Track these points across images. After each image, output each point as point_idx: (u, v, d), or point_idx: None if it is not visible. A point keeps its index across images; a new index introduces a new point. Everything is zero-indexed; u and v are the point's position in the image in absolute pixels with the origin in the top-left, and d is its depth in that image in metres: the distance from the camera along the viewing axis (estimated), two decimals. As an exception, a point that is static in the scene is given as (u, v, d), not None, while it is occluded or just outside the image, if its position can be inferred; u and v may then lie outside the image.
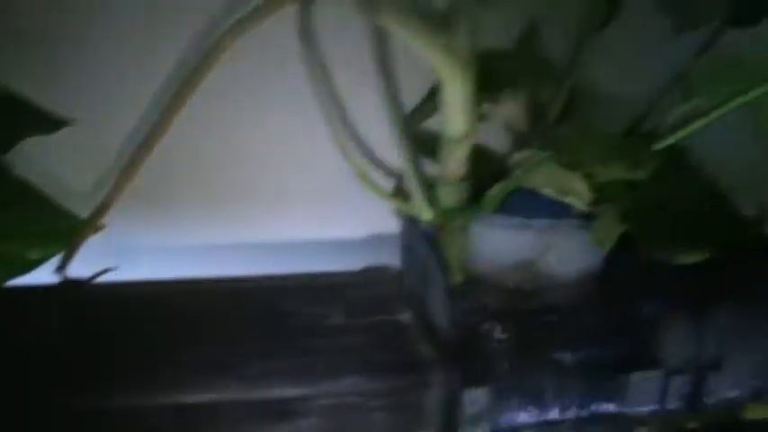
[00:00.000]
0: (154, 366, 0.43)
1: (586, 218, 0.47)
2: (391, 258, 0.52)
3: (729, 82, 0.46)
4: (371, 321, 0.47)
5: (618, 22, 0.49)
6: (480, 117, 0.46)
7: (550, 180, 0.44)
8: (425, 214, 0.46)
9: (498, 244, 0.48)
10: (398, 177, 0.47)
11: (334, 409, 0.42)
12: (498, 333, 0.47)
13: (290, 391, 0.42)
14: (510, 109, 0.49)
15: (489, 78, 0.49)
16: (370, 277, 0.50)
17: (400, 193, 0.48)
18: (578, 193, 0.45)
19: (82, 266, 0.46)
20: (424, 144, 0.49)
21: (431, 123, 0.47)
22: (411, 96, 0.46)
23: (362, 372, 0.43)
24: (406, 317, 0.47)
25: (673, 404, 0.49)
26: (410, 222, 0.51)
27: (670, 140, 0.46)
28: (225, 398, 0.41)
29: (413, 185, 0.46)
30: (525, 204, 0.47)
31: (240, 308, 0.48)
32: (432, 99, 0.48)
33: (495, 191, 0.45)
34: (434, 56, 0.43)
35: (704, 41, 0.50)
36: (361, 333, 0.46)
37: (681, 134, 0.46)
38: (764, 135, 0.47)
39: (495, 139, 0.50)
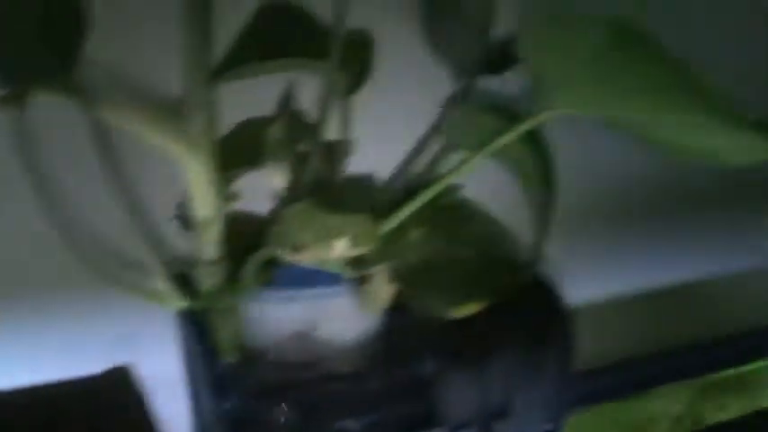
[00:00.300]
0: None
1: (360, 281, 0.47)
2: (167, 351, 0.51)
3: (482, 129, 0.46)
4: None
5: (372, 81, 0.49)
6: (231, 196, 0.45)
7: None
8: (177, 302, 0.45)
9: (272, 319, 0.47)
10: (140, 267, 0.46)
11: None
12: (279, 408, 0.46)
13: None
14: (273, 176, 0.48)
15: (247, 149, 0.49)
16: (108, 382, 0.49)
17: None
18: (334, 263, 0.44)
19: None
20: (189, 227, 0.48)
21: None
22: (150, 184, 0.44)
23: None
24: (135, 424, 0.46)
25: (463, 458, 0.49)
26: (176, 312, 0.50)
27: (431, 194, 0.46)
28: None
29: (158, 275, 0.44)
30: (296, 275, 0.47)
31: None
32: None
33: (249, 268, 0.44)
34: (165, 143, 0.42)
35: (457, 91, 0.50)
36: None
37: (440, 186, 0.46)
38: (520, 180, 0.47)
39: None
